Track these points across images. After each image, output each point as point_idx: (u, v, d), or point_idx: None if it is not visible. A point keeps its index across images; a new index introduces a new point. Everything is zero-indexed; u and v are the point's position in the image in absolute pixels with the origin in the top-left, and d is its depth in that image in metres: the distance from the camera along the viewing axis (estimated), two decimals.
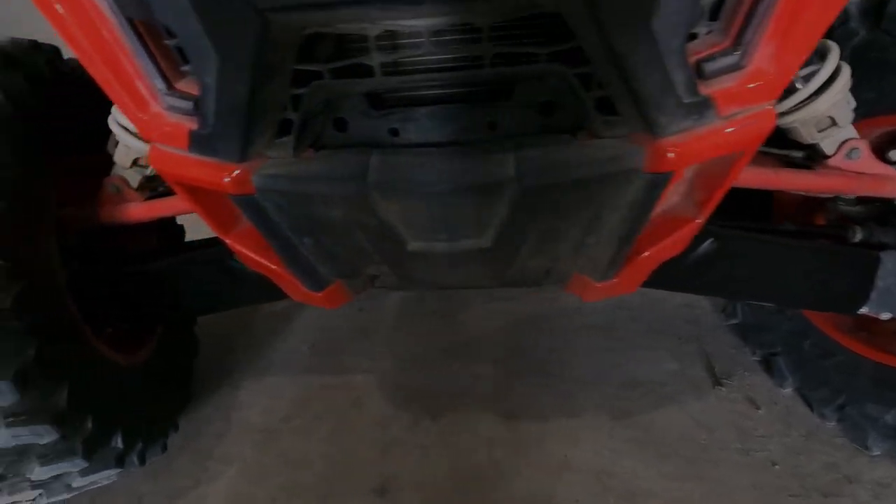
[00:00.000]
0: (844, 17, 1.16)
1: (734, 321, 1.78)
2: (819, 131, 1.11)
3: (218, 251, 1.30)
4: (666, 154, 0.69)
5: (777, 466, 1.44)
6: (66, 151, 1.27)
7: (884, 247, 1.23)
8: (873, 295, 1.22)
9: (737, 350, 1.82)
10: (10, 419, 1.00)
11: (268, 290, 1.25)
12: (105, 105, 1.48)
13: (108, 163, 1.34)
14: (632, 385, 1.74)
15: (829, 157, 1.14)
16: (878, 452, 1.39)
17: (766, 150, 1.21)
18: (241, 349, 2.10)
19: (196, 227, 1.92)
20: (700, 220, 0.83)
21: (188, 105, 0.74)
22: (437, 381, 1.84)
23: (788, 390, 1.63)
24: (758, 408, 1.61)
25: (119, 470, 1.29)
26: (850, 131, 1.13)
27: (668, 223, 0.86)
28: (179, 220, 1.89)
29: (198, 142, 0.75)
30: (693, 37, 0.67)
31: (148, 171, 1.30)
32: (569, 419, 1.65)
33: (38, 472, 1.10)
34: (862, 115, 1.21)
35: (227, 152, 0.74)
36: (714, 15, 0.67)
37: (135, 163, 1.28)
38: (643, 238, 0.86)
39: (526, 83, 0.75)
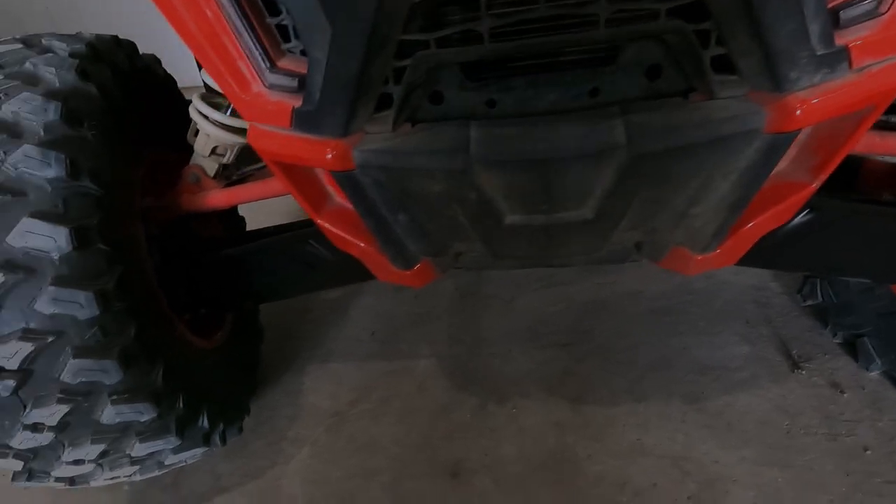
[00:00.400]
0: None
1: (812, 302, 1.69)
2: None
3: (293, 236, 1.32)
4: (792, 112, 0.65)
5: (869, 452, 1.37)
6: (147, 144, 1.32)
7: None
8: None
9: (813, 332, 1.74)
10: (115, 397, 1.05)
11: (341, 274, 1.27)
12: (179, 99, 1.54)
13: (185, 157, 1.38)
14: (701, 370, 1.69)
15: None
16: None
17: (887, 117, 1.14)
18: (302, 337, 2.14)
19: (253, 220, 1.97)
20: (815, 186, 0.79)
21: (292, 83, 0.75)
22: (500, 365, 1.83)
23: (875, 373, 1.55)
24: (842, 391, 1.53)
25: (205, 449, 1.34)
26: None
27: (777, 190, 0.82)
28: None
29: (301, 119, 0.76)
30: None
31: (225, 160, 1.33)
32: (637, 403, 1.61)
33: (138, 449, 1.15)
34: None
35: (331, 128, 0.75)
36: None
37: (213, 151, 1.31)
38: (752, 206, 0.82)
39: (633, 45, 0.72)
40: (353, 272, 1.18)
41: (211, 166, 1.34)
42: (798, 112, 0.65)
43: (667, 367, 1.71)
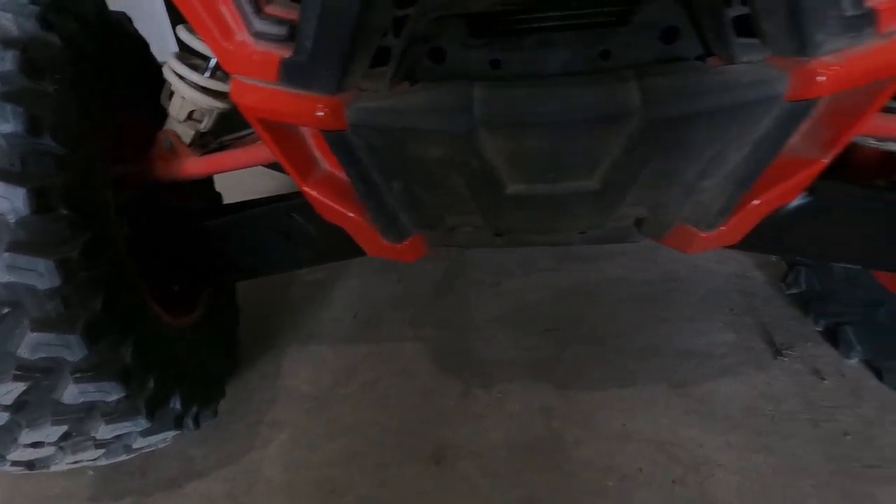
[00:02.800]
0: None
1: (795, 290, 1.71)
2: None
3: (274, 209, 1.25)
4: (815, 77, 0.62)
5: (849, 437, 1.39)
6: (117, 104, 1.22)
7: None
8: None
9: (795, 321, 1.76)
10: (78, 374, 0.97)
11: (325, 250, 1.21)
12: (152, 61, 1.44)
13: (159, 124, 1.29)
14: (686, 356, 1.69)
15: None
16: None
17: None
18: (281, 318, 2.07)
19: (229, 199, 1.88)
20: (826, 161, 0.77)
21: (281, 30, 0.68)
22: (485, 350, 1.80)
23: (854, 361, 1.57)
24: (823, 378, 1.55)
25: (176, 432, 1.27)
26: None
27: (785, 166, 0.79)
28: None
29: (290, 71, 0.69)
30: None
31: (202, 126, 1.25)
32: (623, 389, 1.60)
33: (103, 431, 1.08)
34: None
35: (323, 83, 0.69)
36: None
37: (189, 116, 1.22)
38: (759, 182, 0.80)
39: (650, 5, 0.68)
40: (338, 248, 1.12)
41: (186, 133, 1.25)
42: (821, 78, 0.62)
43: (653, 354, 1.71)
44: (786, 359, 1.63)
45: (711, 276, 2.02)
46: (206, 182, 1.76)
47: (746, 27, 0.65)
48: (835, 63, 0.61)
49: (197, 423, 1.36)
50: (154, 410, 1.14)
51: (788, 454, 1.36)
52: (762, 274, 1.99)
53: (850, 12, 0.58)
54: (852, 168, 1.37)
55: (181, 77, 1.11)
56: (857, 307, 1.52)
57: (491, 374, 1.70)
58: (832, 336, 1.62)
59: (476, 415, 1.57)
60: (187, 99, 1.15)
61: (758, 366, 1.63)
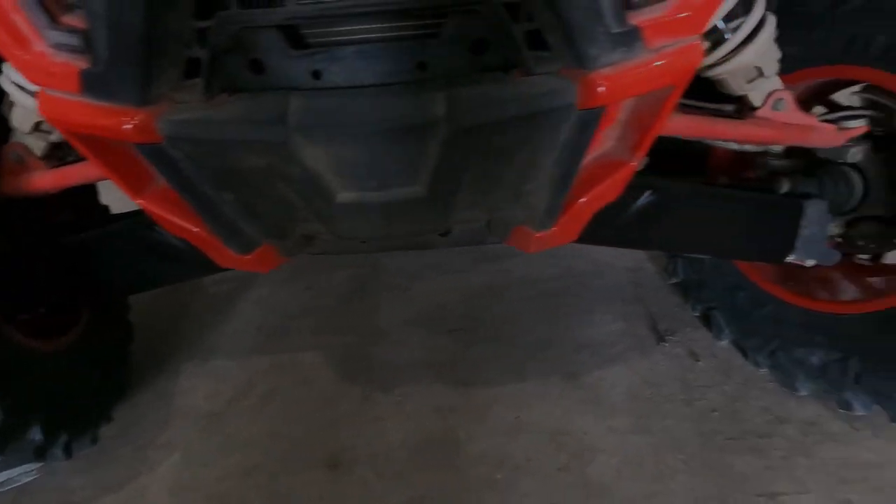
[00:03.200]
0: None
1: (676, 280, 1.83)
2: (747, 82, 1.14)
3: (136, 221, 1.20)
4: (596, 88, 0.67)
5: (716, 413, 1.51)
6: None
7: (808, 197, 1.29)
8: (798, 243, 1.28)
9: (679, 308, 1.88)
10: None
11: (195, 263, 1.17)
12: None
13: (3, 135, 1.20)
14: (580, 347, 1.77)
15: (757, 108, 1.17)
16: (806, 393, 1.48)
17: (700, 104, 1.24)
18: (182, 333, 1.99)
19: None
20: (634, 164, 0.83)
21: (76, 40, 0.66)
22: (390, 354, 1.81)
23: (725, 342, 1.70)
24: (698, 360, 1.68)
25: (39, 464, 1.19)
26: (777, 82, 1.16)
27: (603, 167, 0.85)
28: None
29: (90, 83, 0.67)
30: None
31: (53, 137, 1.18)
32: (521, 383, 1.66)
33: None
34: (789, 69, 1.25)
35: (125, 94, 0.67)
36: None
37: (37, 127, 1.15)
38: (580, 183, 0.85)
39: (455, 19, 0.71)
40: (207, 263, 1.09)
41: (37, 144, 1.17)
42: (601, 89, 0.67)
43: (549, 347, 1.78)
44: (667, 344, 1.75)
45: (608, 270, 2.14)
46: (84, 195, 1.66)
47: (542, 40, 0.70)
48: (612, 75, 0.67)
49: (68, 453, 1.29)
50: (5, 443, 1.07)
51: (664, 433, 1.46)
52: (653, 266, 2.12)
53: (616, 29, 0.64)
54: (711, 168, 1.50)
55: (19, 87, 1.05)
56: (723, 293, 1.65)
57: (394, 377, 1.71)
58: (707, 320, 1.75)
59: (375, 418, 1.57)
60: (28, 109, 1.08)
61: (642, 352, 1.73)
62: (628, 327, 1.83)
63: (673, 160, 1.56)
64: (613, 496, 1.32)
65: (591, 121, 0.71)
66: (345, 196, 0.78)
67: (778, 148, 1.37)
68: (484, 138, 0.73)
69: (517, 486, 1.35)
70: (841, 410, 1.42)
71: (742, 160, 1.45)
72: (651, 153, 1.66)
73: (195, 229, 0.87)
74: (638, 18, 0.65)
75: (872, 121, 1.24)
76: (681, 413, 1.52)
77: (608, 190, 0.86)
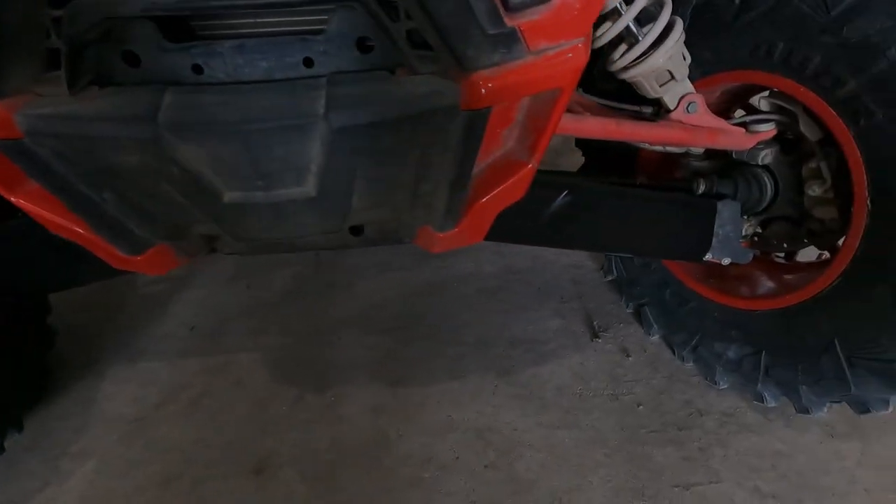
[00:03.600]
0: None
1: (611, 277, 1.87)
2: (660, 86, 1.17)
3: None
4: (479, 89, 0.67)
5: (641, 407, 1.55)
6: None
7: (722, 197, 1.33)
8: (714, 242, 1.32)
9: (615, 305, 1.92)
10: None
11: (101, 263, 1.12)
12: None
13: None
14: (517, 344, 1.79)
15: (671, 111, 1.20)
16: (725, 386, 1.54)
17: (619, 105, 1.26)
18: (109, 336, 1.91)
19: None
20: (532, 165, 0.84)
21: None
22: (326, 354, 1.78)
23: (655, 338, 1.75)
24: (629, 355, 1.72)
25: None
26: (688, 86, 1.19)
27: (502, 168, 0.85)
28: None
29: None
30: None
31: None
32: (454, 381, 1.67)
33: None
34: (705, 73, 1.29)
35: None
36: None
37: None
38: (480, 184, 0.85)
39: (337, 15, 0.69)
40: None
41: None
42: (483, 90, 0.67)
43: (486, 345, 1.79)
44: (601, 340, 1.78)
45: (549, 267, 2.16)
46: None
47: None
48: (493, 76, 0.67)
49: None
50: None
51: (589, 428, 1.49)
52: (592, 263, 2.16)
53: (492, 31, 0.64)
54: (639, 168, 1.53)
55: None
56: (652, 290, 1.69)
57: (328, 377, 1.69)
58: (639, 316, 1.80)
59: (306, 420, 1.55)
60: None
61: (576, 348, 1.76)
62: (565, 324, 1.86)
63: (601, 160, 1.60)
64: (537, 491, 1.34)
65: (477, 122, 0.71)
66: (232, 196, 0.76)
67: (698, 150, 1.41)
68: (368, 138, 0.72)
69: (443, 485, 1.36)
70: (756, 402, 1.49)
71: (669, 161, 1.49)
72: (584, 153, 1.71)
73: (78, 229, 0.83)
74: (517, 20, 0.65)
75: (780, 124, 1.29)
76: (607, 407, 1.56)
77: (510, 191, 0.86)
